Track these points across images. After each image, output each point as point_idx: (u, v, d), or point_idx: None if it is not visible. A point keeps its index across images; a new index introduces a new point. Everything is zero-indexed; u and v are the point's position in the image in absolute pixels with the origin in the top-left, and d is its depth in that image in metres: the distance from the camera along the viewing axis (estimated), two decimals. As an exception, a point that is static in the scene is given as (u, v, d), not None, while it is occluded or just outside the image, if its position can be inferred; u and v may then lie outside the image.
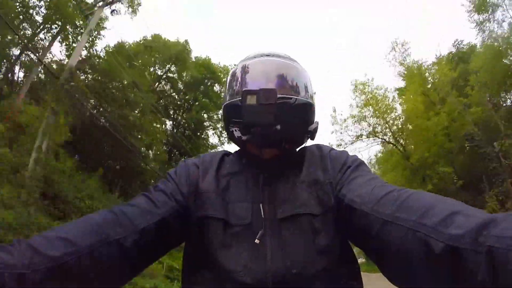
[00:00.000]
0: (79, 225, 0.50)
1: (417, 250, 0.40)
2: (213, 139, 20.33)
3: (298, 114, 0.66)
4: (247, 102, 0.60)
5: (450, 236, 0.36)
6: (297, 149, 0.73)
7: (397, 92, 17.66)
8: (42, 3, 11.20)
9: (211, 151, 0.96)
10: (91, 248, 0.47)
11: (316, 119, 0.72)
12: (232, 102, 0.67)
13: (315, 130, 0.70)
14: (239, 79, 0.69)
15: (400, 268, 0.44)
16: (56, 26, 11.86)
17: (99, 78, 12.55)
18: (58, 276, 0.43)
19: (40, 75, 12.68)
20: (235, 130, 0.66)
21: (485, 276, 0.31)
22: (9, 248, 0.42)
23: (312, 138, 0.71)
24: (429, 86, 14.95)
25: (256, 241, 0.57)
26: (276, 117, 0.60)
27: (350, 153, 0.70)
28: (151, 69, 17.84)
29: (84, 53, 11.43)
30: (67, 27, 11.76)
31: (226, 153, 0.74)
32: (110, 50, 13.35)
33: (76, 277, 0.45)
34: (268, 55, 0.70)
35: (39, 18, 11.51)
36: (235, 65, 0.74)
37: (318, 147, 0.73)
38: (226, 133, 0.71)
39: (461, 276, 0.34)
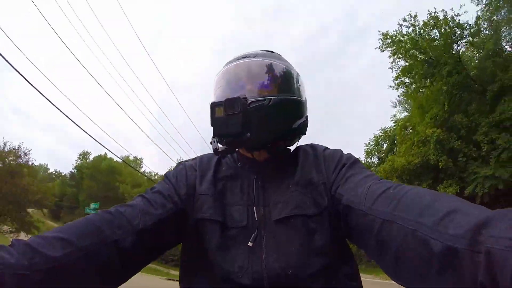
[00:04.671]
0: (78, 226, 0.51)
1: (417, 249, 0.40)
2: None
3: (276, 113, 0.63)
4: (215, 115, 0.60)
5: (448, 236, 0.36)
6: (292, 150, 0.73)
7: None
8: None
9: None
10: (89, 248, 0.48)
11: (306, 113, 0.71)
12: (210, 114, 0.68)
13: (304, 125, 0.69)
14: (215, 89, 0.70)
15: (400, 267, 0.44)
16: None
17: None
18: (58, 276, 0.44)
19: None
20: (214, 142, 0.66)
21: (484, 277, 0.31)
22: (9, 249, 0.43)
23: (303, 133, 0.71)
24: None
25: (249, 244, 0.58)
26: (244, 125, 0.59)
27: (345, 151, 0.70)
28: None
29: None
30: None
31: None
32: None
33: (75, 277, 0.46)
34: (244, 57, 0.69)
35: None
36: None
37: (312, 147, 0.72)
38: None
39: (461, 276, 0.34)
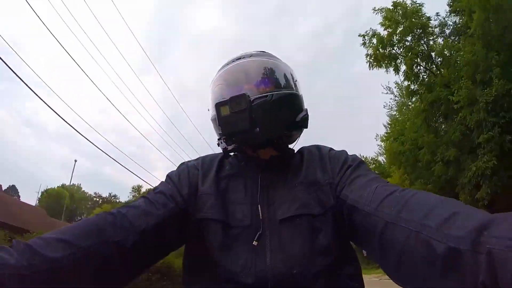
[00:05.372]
0: (79, 227, 0.50)
1: (419, 251, 0.40)
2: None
3: (278, 108, 0.65)
4: (221, 114, 0.62)
5: (451, 238, 0.36)
6: (295, 149, 0.74)
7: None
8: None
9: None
10: (90, 249, 0.48)
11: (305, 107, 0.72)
12: (213, 116, 0.69)
13: (305, 118, 0.70)
14: (213, 92, 0.71)
15: (403, 268, 0.44)
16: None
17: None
18: (58, 278, 0.43)
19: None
20: (221, 142, 0.67)
21: (485, 277, 0.32)
22: (9, 249, 0.42)
23: (305, 127, 0.72)
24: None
25: (254, 243, 0.58)
26: (252, 120, 0.60)
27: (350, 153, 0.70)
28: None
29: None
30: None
31: (226, 156, 0.74)
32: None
33: (76, 278, 0.46)
34: (239, 58, 0.71)
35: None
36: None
37: (318, 147, 0.73)
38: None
39: (463, 277, 0.35)
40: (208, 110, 0.74)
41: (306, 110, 0.72)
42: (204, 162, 0.71)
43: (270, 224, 0.60)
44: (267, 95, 0.64)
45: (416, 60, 12.36)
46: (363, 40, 13.12)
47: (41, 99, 6.29)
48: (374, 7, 12.69)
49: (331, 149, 0.72)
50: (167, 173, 0.71)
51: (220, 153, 0.73)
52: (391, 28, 12.23)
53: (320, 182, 0.64)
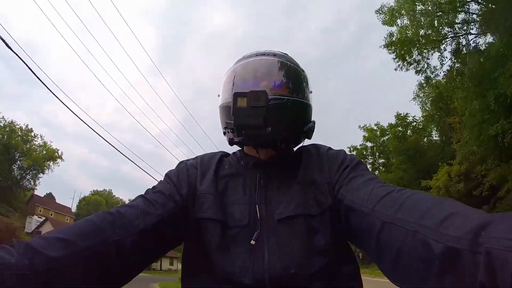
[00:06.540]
0: (79, 227, 0.51)
1: (417, 251, 0.40)
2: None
3: (292, 114, 0.66)
4: (237, 104, 0.61)
5: (449, 237, 0.36)
6: (295, 149, 0.74)
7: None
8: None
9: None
10: (90, 249, 0.48)
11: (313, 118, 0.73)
12: (225, 103, 0.69)
13: (312, 129, 0.71)
14: (232, 80, 0.70)
15: (400, 268, 0.44)
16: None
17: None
18: (58, 277, 0.44)
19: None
20: (228, 132, 0.67)
21: (484, 277, 0.31)
22: (9, 249, 0.43)
23: (309, 138, 0.72)
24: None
25: (252, 242, 0.58)
26: (266, 119, 0.61)
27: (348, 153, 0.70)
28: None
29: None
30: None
31: (224, 154, 0.74)
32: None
33: (75, 278, 0.46)
34: (263, 54, 0.71)
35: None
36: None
37: (316, 146, 0.73)
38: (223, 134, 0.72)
39: (461, 277, 0.34)
40: (218, 96, 0.74)
41: (314, 122, 0.73)
42: (203, 161, 0.71)
43: (268, 224, 0.60)
44: (284, 99, 0.65)
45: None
46: (349, 149, 24.93)
47: (63, 103, 6.71)
48: (359, 125, 24.43)
49: (329, 148, 0.73)
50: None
51: (219, 151, 0.75)
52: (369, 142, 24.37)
53: (317, 182, 0.64)
